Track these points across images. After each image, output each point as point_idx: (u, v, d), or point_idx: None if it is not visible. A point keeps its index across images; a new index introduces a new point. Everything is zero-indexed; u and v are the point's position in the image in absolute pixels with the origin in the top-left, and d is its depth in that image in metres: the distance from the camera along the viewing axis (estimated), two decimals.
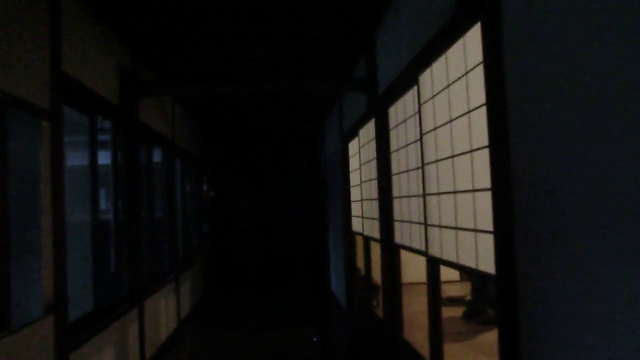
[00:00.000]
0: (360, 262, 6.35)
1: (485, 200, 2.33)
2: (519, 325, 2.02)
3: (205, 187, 9.90)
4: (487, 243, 2.31)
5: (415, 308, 4.89)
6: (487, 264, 2.32)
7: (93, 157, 3.81)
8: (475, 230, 2.45)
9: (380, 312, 4.94)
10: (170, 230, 6.39)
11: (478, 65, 2.39)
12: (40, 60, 2.89)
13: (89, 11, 3.67)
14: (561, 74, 1.67)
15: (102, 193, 4.28)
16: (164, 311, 5.74)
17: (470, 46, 2.50)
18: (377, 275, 5.30)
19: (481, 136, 2.37)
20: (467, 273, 2.71)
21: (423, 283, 3.54)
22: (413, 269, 5.76)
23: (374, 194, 4.85)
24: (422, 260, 3.47)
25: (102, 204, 4.35)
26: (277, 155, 13.95)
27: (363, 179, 5.55)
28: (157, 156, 5.96)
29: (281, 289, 9.62)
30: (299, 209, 14.67)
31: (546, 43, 1.76)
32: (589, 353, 1.57)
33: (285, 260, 14.57)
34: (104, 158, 4.21)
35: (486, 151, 2.29)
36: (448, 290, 5.92)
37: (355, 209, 6.19)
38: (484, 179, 2.35)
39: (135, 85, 4.56)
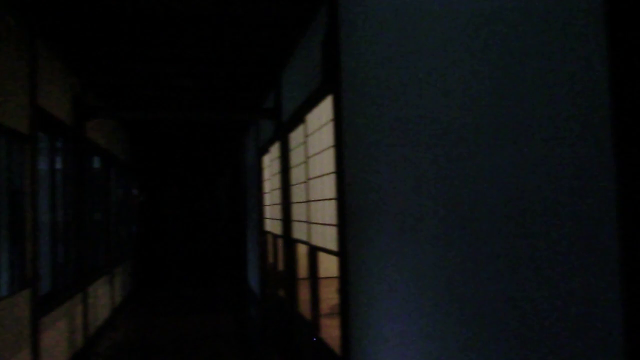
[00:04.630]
0: (270, 257, 7.62)
1: (332, 205, 3.67)
2: (348, 277, 3.35)
3: (136, 191, 10.84)
4: (334, 232, 3.65)
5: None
6: (334, 246, 3.66)
7: (52, 169, 4.84)
8: (329, 225, 3.78)
9: (283, 295, 6.22)
10: (105, 229, 7.37)
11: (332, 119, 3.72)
12: (22, 97, 3.93)
13: (54, 55, 4.71)
14: (367, 128, 3.02)
15: (57, 197, 5.28)
16: (102, 298, 6.74)
17: (329, 105, 3.84)
18: (282, 265, 6.58)
19: (332, 165, 3.71)
20: (327, 252, 4.04)
21: (331, 277, 4.84)
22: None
23: (280, 199, 6.14)
24: (324, 258, 4.78)
25: (54, 206, 5.34)
26: (204, 164, 15.00)
27: (273, 187, 6.83)
28: (96, 164, 6.95)
29: (205, 283, 10.72)
30: (223, 212, 15.73)
31: (362, 108, 3.11)
32: (377, 288, 2.91)
33: (210, 257, 15.59)
34: (56, 166, 5.21)
35: (333, 175, 3.63)
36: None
37: (268, 211, 7.46)
38: (332, 192, 3.68)
39: (84, 109, 5.59)
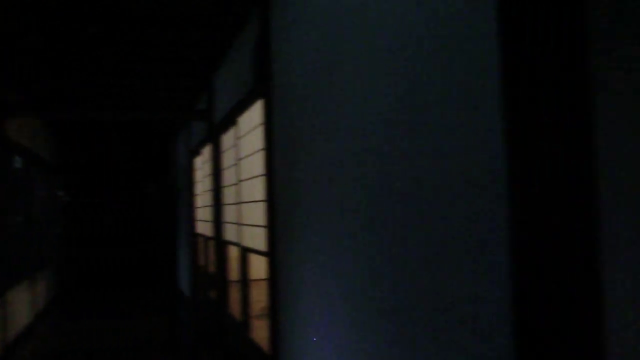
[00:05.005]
0: (202, 259, 7.57)
1: (262, 207, 3.74)
2: (277, 277, 3.44)
3: (61, 193, 10.43)
4: (262, 233, 3.72)
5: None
6: (264, 247, 3.73)
7: None
8: (259, 226, 3.85)
9: (214, 296, 6.21)
10: (26, 231, 7.07)
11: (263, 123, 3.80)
12: None
13: None
14: (296, 132, 3.12)
15: None
16: (22, 304, 6.46)
17: (259, 109, 3.91)
18: (213, 267, 6.57)
19: (262, 167, 3.78)
20: (257, 253, 4.11)
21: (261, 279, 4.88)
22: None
23: (211, 201, 6.13)
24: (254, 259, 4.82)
25: None
26: (136, 165, 14.62)
27: (205, 189, 6.81)
28: (17, 164, 6.66)
29: (136, 286, 10.46)
30: (154, 214, 15.40)
31: (291, 113, 3.20)
32: (303, 287, 3.01)
33: (141, 260, 15.22)
34: None
35: (263, 177, 3.71)
36: None
37: (199, 213, 7.41)
38: (262, 194, 3.76)
39: (3, 107, 5.37)
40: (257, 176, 3.99)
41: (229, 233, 5.24)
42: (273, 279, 3.47)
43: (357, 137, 2.19)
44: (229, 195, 5.27)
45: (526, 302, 1.26)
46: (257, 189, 4.04)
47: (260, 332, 4.61)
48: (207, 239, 6.82)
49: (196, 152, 7.38)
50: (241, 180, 4.58)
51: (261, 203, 3.88)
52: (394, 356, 1.89)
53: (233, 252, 5.97)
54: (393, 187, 1.89)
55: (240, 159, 4.62)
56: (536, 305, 1.26)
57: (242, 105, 4.29)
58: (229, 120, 4.95)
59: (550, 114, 1.29)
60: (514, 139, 1.29)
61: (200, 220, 7.30)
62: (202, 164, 7.02)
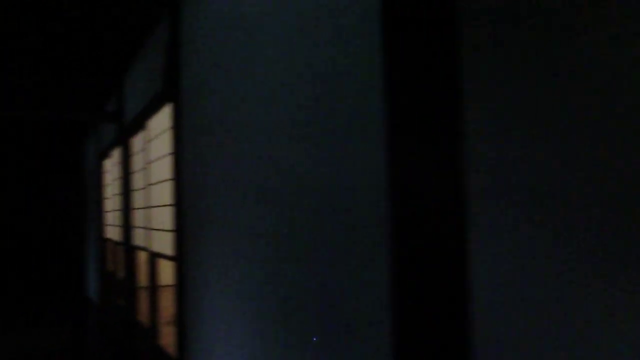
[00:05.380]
0: (111, 264, 7.33)
1: (169, 211, 3.72)
2: (184, 282, 3.43)
3: None
4: (169, 237, 3.70)
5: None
6: (169, 250, 3.71)
7: None
8: (168, 230, 3.83)
9: (123, 303, 6.04)
10: None
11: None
12: None
13: None
14: (203, 137, 3.13)
15: None
16: None
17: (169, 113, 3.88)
18: (122, 273, 6.38)
19: (170, 171, 3.76)
20: (165, 258, 4.07)
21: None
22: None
23: (120, 205, 5.97)
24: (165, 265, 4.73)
25: None
26: (43, 167, 13.86)
27: (114, 193, 6.60)
28: None
29: (42, 295, 9.91)
30: (62, 218, 14.66)
31: (199, 118, 3.21)
32: (209, 292, 3.03)
33: (46, 267, 14.43)
34: None
35: (171, 182, 3.69)
36: None
37: (109, 218, 7.17)
38: (171, 198, 3.73)
39: None
40: (165, 180, 3.96)
41: (138, 238, 5.14)
42: (180, 285, 3.46)
43: (259, 143, 2.26)
44: (138, 199, 5.16)
45: (403, 302, 1.38)
46: (166, 193, 4.00)
47: (168, 338, 4.56)
48: (116, 243, 6.61)
49: (106, 155, 7.14)
50: (150, 184, 4.51)
51: (169, 207, 3.86)
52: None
53: (142, 258, 5.85)
54: (290, 194, 1.97)
55: (149, 163, 4.55)
56: (412, 304, 1.38)
57: (152, 108, 4.24)
58: (139, 123, 4.86)
59: (425, 134, 1.43)
60: (393, 153, 1.41)
61: (110, 225, 7.07)
62: (111, 166, 6.80)
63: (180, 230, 3.47)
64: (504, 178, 1.49)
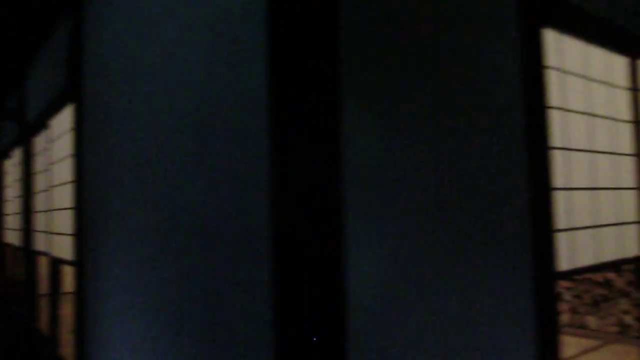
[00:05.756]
0: (11, 271, 6.91)
1: (70, 215, 3.58)
2: (85, 288, 3.31)
3: None
4: (70, 242, 3.57)
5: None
6: (68, 254, 3.58)
7: None
8: (70, 235, 3.68)
9: (23, 310, 5.71)
10: None
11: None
12: None
13: None
14: (105, 139, 3.04)
15: None
16: None
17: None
18: (22, 279, 6.04)
19: (71, 174, 3.63)
20: (66, 263, 3.91)
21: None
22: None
23: (21, 208, 5.65)
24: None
25: None
26: None
27: (15, 195, 6.24)
28: None
29: None
30: None
31: (101, 120, 3.12)
32: (109, 298, 2.94)
33: None
34: None
35: (72, 184, 3.56)
36: None
37: (9, 221, 6.76)
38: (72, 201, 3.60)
39: None
40: (67, 183, 3.80)
41: (40, 242, 4.89)
42: (80, 292, 3.34)
43: (150, 149, 2.24)
44: (40, 201, 4.91)
45: (284, 301, 1.42)
46: (67, 196, 3.85)
47: (70, 348, 4.37)
48: (16, 248, 6.25)
49: (6, 155, 6.73)
50: (52, 186, 4.31)
51: (71, 210, 3.72)
52: None
53: (44, 263, 5.57)
54: (174, 197, 1.97)
55: (51, 164, 4.34)
56: (292, 301, 1.43)
57: (54, 107, 4.06)
58: (41, 122, 4.63)
59: (307, 135, 1.48)
60: (276, 147, 1.45)
61: (10, 229, 6.67)
62: (12, 167, 6.42)
63: (81, 234, 3.35)
64: (377, 176, 1.58)
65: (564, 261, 2.25)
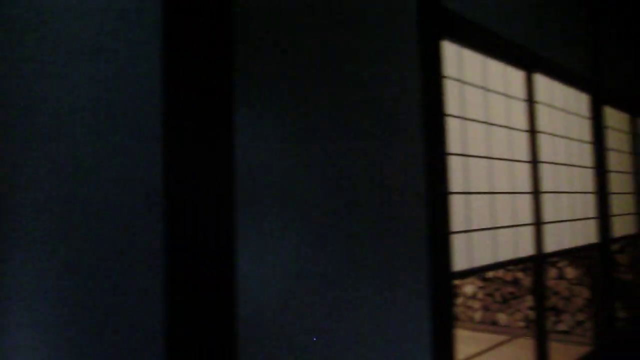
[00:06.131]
0: None
1: None
2: None
3: None
4: None
5: None
6: None
7: None
8: None
9: None
10: None
11: None
12: None
13: None
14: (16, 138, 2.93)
15: None
16: None
17: None
18: None
19: None
20: None
21: None
22: None
23: None
24: None
25: None
26: None
27: None
28: None
29: None
30: None
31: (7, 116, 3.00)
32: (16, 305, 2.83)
33: None
34: None
35: None
36: None
37: None
38: None
39: None
40: None
41: None
42: None
43: (59, 142, 2.19)
44: None
45: (174, 310, 1.44)
46: None
47: None
48: None
49: None
50: None
51: None
52: None
53: None
54: (71, 194, 1.95)
55: None
56: (183, 308, 1.45)
57: None
58: None
59: (201, 135, 1.51)
60: (168, 154, 1.47)
61: None
62: None
63: None
64: (270, 182, 1.63)
65: (463, 261, 2.39)
